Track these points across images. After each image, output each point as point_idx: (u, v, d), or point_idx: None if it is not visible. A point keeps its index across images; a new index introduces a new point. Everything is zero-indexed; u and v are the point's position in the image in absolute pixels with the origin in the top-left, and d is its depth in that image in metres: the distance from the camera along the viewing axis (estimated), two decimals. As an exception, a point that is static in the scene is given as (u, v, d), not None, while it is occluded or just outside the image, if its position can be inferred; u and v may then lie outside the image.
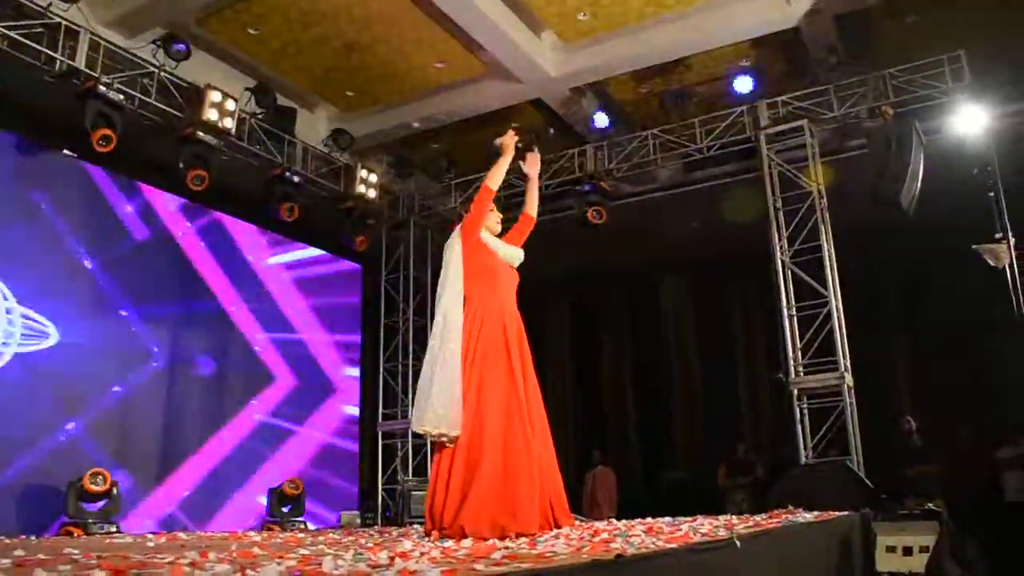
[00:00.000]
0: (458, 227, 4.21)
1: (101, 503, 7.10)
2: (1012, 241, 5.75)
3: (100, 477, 7.09)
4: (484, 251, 4.11)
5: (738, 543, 2.74)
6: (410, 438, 9.93)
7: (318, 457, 10.02)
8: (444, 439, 3.74)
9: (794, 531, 4.20)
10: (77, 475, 7.02)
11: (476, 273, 4.06)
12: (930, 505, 5.75)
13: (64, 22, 6.93)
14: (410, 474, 9.78)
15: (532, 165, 4.56)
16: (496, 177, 4.18)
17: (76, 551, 3.15)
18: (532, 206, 4.49)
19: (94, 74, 7.08)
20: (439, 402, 3.71)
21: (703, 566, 2.53)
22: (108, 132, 7.04)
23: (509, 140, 4.27)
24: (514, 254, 4.25)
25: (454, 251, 4.11)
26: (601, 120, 9.27)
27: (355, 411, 10.82)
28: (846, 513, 5.39)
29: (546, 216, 10.40)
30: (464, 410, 3.74)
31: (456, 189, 10.28)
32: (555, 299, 13.55)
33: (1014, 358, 6.37)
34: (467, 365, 3.85)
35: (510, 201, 9.85)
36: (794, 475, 7.42)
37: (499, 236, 4.32)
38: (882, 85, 8.04)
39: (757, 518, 4.87)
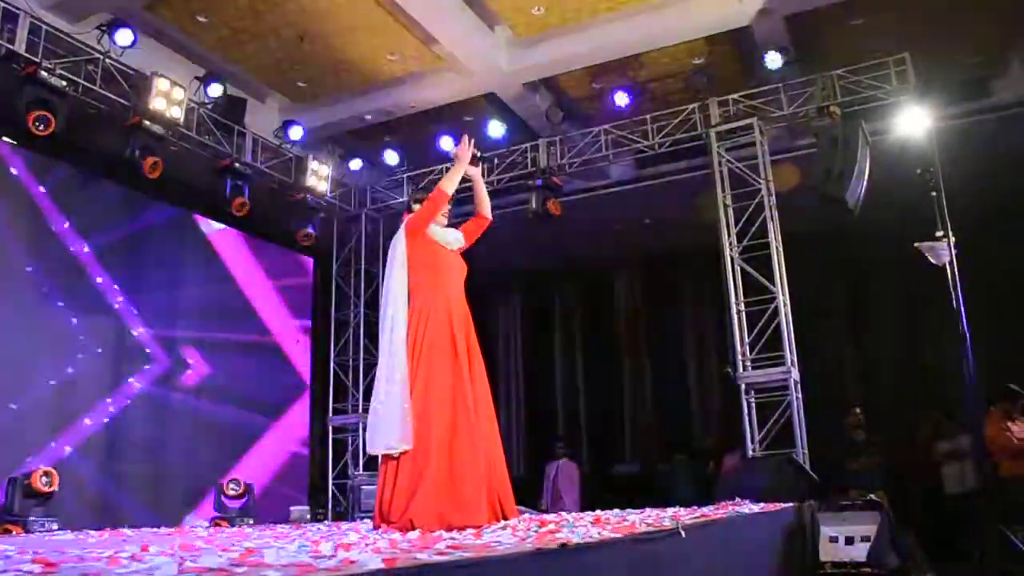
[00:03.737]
0: (403, 224, 4.14)
1: (43, 500, 6.92)
2: (952, 240, 5.89)
3: (48, 477, 6.92)
4: (430, 244, 4.08)
5: (683, 533, 2.77)
6: (360, 432, 9.85)
7: (267, 452, 9.90)
8: (396, 451, 3.73)
9: (739, 521, 4.26)
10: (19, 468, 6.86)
11: (422, 266, 4.03)
12: (871, 496, 5.88)
13: (3, 4, 6.71)
14: (360, 469, 9.71)
15: (473, 164, 4.35)
16: (452, 183, 4.10)
17: (11, 548, 3.07)
18: (485, 206, 4.38)
19: (35, 59, 6.87)
20: (391, 419, 3.70)
21: (648, 555, 2.55)
22: (44, 113, 6.80)
23: (465, 150, 4.19)
24: (455, 238, 4.21)
25: (398, 250, 4.07)
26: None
27: (305, 405, 10.71)
28: (791, 504, 5.48)
29: (497, 211, 10.50)
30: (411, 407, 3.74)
31: (408, 182, 10.23)
32: (507, 294, 13.57)
33: (952, 354, 6.55)
34: (412, 361, 3.83)
35: (460, 194, 9.86)
36: (741, 467, 7.55)
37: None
38: (830, 85, 8.18)
39: (704, 509, 4.93)
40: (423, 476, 3.61)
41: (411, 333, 3.87)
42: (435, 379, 3.80)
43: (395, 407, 3.71)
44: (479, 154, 4.34)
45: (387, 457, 3.77)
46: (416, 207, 4.21)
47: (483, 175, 4.48)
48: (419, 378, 3.79)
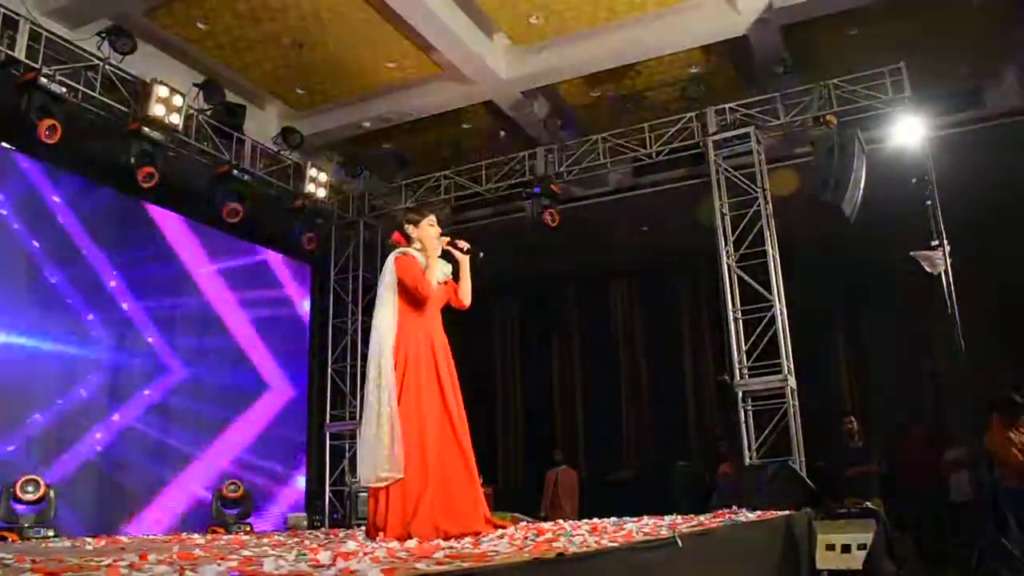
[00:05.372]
0: (395, 261, 4.00)
1: (37, 507, 6.91)
2: (947, 248, 5.93)
3: (33, 485, 6.90)
4: None
5: (680, 542, 2.77)
6: (358, 439, 9.83)
7: (265, 458, 9.88)
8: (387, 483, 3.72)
9: (736, 530, 4.27)
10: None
11: (408, 300, 3.98)
12: (868, 504, 5.89)
13: (3, 10, 6.72)
14: (357, 476, 9.68)
15: (464, 253, 4.17)
16: (432, 277, 4.01)
17: (9, 556, 3.07)
18: (464, 294, 4.18)
19: (35, 65, 6.89)
20: (381, 450, 3.70)
21: (645, 565, 2.56)
22: (54, 122, 6.82)
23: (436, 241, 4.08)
24: (442, 273, 4.13)
25: (387, 289, 3.98)
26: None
27: (302, 412, 10.70)
28: (788, 512, 5.49)
29: (496, 219, 10.56)
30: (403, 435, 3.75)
31: (406, 189, 10.24)
32: (505, 300, 13.59)
33: (947, 361, 6.58)
34: (400, 390, 3.82)
35: (459, 201, 9.92)
36: (738, 475, 7.56)
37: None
38: (826, 94, 8.22)
39: (701, 518, 4.94)
40: (420, 500, 3.64)
41: (398, 364, 3.86)
42: (425, 407, 3.81)
43: (384, 437, 3.71)
44: (466, 247, 4.14)
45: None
46: (408, 228, 4.11)
47: (474, 264, 4.21)
48: (411, 407, 3.79)
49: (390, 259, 4.06)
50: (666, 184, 10.04)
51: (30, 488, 6.87)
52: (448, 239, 4.15)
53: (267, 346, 10.29)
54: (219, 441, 9.35)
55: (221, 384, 9.54)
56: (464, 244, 4.15)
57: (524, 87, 9.07)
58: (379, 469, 3.70)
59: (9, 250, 7.64)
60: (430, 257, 4.04)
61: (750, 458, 7.64)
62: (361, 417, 3.92)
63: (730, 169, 8.47)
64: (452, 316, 4.22)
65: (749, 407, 7.83)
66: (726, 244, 8.27)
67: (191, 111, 8.26)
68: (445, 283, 4.16)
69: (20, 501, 6.82)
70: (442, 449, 3.81)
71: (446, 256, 4.17)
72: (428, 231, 4.10)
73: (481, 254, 4.19)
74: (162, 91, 7.70)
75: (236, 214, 8.72)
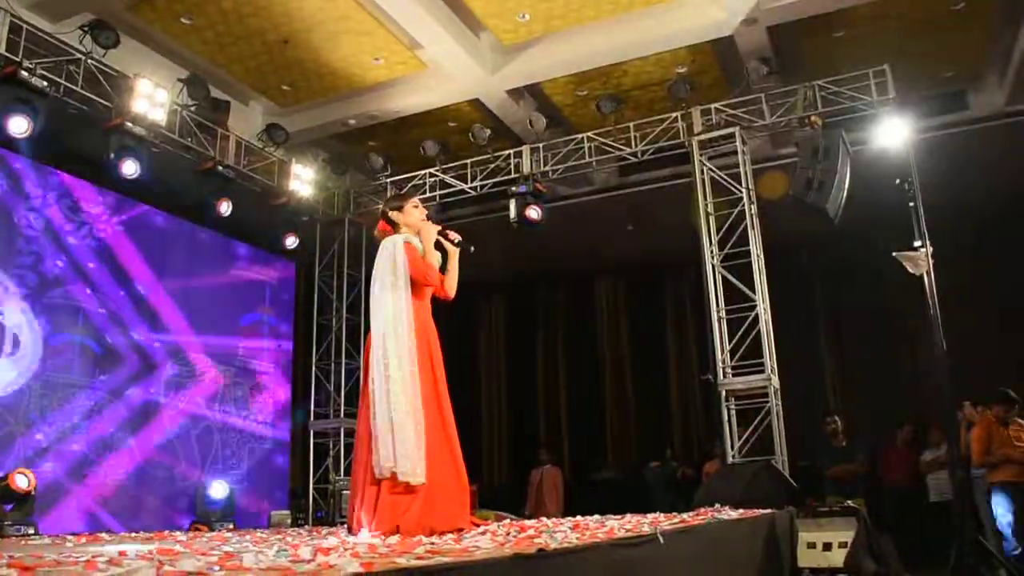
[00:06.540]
0: (403, 243, 3.95)
1: (17, 503, 6.86)
2: (929, 249, 5.97)
3: (26, 476, 6.85)
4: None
5: (662, 539, 2.78)
6: (342, 437, 9.83)
7: (248, 456, 9.84)
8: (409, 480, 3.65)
9: (718, 528, 4.27)
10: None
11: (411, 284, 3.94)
12: (849, 502, 5.92)
13: (-17, 3, 6.67)
14: (342, 473, 9.67)
15: (455, 246, 4.17)
16: (431, 257, 4.02)
17: (-13, 551, 3.04)
18: (450, 285, 4.14)
19: (15, 58, 6.82)
20: (412, 448, 3.63)
21: (626, 561, 2.56)
22: (19, 117, 6.73)
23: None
24: (434, 260, 4.09)
25: (397, 273, 3.87)
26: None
27: (286, 410, 10.66)
28: (770, 511, 5.51)
29: (481, 218, 10.55)
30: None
31: (392, 187, 10.21)
32: (490, 299, 13.59)
33: (929, 361, 6.62)
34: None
35: (444, 199, 9.91)
36: (720, 474, 7.58)
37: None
38: (811, 96, 8.26)
39: (683, 515, 4.95)
40: (415, 497, 3.60)
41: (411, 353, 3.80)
42: (427, 402, 3.77)
43: (410, 432, 3.64)
44: (457, 239, 4.13)
45: (363, 463, 3.74)
46: (393, 215, 4.07)
47: (463, 257, 4.19)
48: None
49: (396, 246, 3.93)
50: (651, 184, 10.07)
51: (24, 481, 6.82)
52: (439, 228, 4.13)
53: (250, 344, 10.24)
54: (201, 437, 9.30)
55: (205, 381, 9.49)
56: (456, 236, 4.12)
57: (510, 85, 9.05)
58: (407, 466, 3.61)
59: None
60: (425, 242, 4.00)
61: (733, 457, 7.67)
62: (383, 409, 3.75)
63: (715, 169, 8.49)
64: (436, 313, 4.20)
65: (732, 406, 7.86)
66: (710, 244, 8.29)
67: (175, 106, 8.20)
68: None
69: (13, 493, 6.75)
70: (436, 444, 3.76)
71: (435, 246, 4.15)
72: (414, 214, 4.07)
73: (472, 248, 4.16)
74: (145, 86, 7.65)
75: (228, 208, 8.66)
